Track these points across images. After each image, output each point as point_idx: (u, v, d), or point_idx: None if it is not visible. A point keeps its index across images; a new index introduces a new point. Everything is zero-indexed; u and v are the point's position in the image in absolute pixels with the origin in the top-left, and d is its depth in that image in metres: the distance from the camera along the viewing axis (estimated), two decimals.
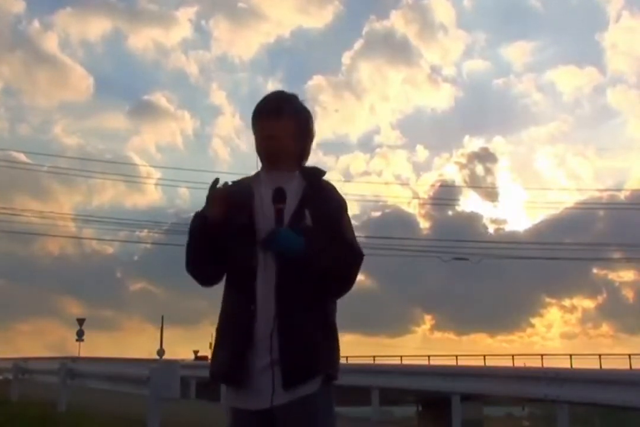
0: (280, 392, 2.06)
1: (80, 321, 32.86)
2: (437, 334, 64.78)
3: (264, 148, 2.25)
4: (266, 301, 2.10)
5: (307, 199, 2.18)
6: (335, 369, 2.15)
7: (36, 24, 64.87)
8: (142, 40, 73.18)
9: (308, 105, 2.34)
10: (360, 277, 2.25)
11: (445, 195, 42.90)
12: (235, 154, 65.12)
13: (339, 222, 2.19)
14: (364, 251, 2.23)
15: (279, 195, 2.14)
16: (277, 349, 2.07)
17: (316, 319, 2.11)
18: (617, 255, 40.60)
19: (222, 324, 2.20)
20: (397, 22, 71.85)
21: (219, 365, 2.17)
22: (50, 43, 67.93)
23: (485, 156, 63.28)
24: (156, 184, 51.90)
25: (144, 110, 65.52)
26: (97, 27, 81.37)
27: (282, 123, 2.23)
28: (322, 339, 2.11)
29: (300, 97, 2.33)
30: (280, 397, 2.07)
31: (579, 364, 27.37)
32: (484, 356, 34.16)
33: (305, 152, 2.31)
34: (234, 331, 2.13)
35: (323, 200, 2.18)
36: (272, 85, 66.33)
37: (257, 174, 2.29)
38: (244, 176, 2.34)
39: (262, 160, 2.28)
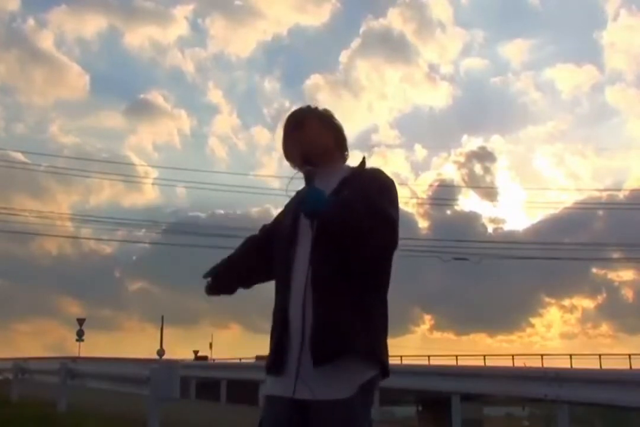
0: (311, 383, 2.02)
1: (80, 321, 32.86)
2: (437, 334, 64.88)
3: (298, 153, 2.27)
4: (300, 289, 2.10)
5: (346, 182, 2.21)
6: (375, 353, 2.11)
7: (31, 21, 65.11)
8: (138, 38, 72.93)
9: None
10: None
11: (444, 194, 42.82)
12: (232, 152, 65.48)
13: (375, 194, 2.13)
14: None
15: (307, 159, 2.21)
16: (309, 329, 2.05)
17: (352, 303, 2.08)
18: (616, 255, 40.70)
19: (273, 319, 2.23)
20: (395, 20, 71.69)
21: (269, 358, 2.17)
22: (46, 41, 68.10)
23: (484, 155, 63.63)
24: (153, 183, 51.75)
25: (140, 109, 65.60)
26: (93, 25, 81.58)
27: (306, 128, 2.30)
28: (356, 320, 2.07)
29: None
30: (311, 389, 2.02)
31: (579, 364, 27.26)
32: (484, 356, 34.02)
33: (338, 141, 2.34)
34: (276, 322, 2.17)
35: (362, 181, 2.20)
36: (269, 84, 66.52)
37: None
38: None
39: (303, 164, 2.24)
